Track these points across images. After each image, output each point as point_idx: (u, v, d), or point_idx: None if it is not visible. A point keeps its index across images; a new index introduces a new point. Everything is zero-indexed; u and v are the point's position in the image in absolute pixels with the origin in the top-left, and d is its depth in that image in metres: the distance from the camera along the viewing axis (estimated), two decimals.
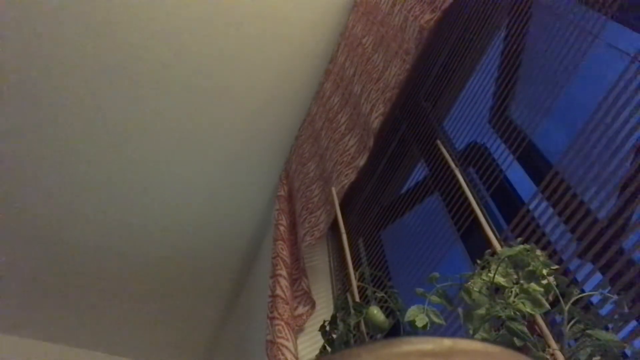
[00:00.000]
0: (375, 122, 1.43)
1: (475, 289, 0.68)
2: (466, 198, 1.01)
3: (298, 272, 1.64)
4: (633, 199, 0.71)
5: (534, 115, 1.02)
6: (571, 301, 0.63)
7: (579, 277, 0.74)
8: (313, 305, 1.51)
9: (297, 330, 1.46)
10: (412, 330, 0.73)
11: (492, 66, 1.22)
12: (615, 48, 0.86)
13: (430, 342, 0.24)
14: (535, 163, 1.02)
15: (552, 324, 0.69)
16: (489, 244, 0.83)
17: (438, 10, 1.25)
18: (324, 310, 1.52)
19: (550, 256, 0.76)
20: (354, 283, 1.14)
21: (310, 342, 1.44)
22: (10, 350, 2.79)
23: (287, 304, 1.46)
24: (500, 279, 0.67)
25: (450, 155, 1.15)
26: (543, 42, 1.07)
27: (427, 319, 0.72)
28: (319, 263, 1.72)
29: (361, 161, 1.49)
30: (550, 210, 0.85)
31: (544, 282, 0.65)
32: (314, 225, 1.62)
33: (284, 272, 1.58)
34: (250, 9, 1.92)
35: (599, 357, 0.58)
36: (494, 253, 0.75)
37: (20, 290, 2.67)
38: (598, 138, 0.80)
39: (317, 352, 1.23)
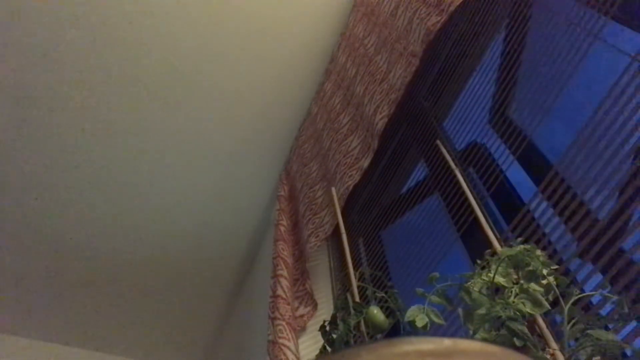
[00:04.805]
0: (380, 123, 1.42)
1: (475, 289, 0.68)
2: (466, 198, 1.01)
3: (299, 273, 1.64)
4: (633, 199, 0.71)
5: (534, 115, 1.02)
6: (571, 301, 0.63)
7: (579, 277, 0.74)
8: (315, 306, 1.51)
9: (299, 330, 1.46)
10: (412, 330, 0.73)
11: (492, 66, 1.22)
12: (615, 48, 0.86)
13: (430, 342, 0.24)
14: (535, 163, 1.02)
15: (552, 324, 0.69)
16: (489, 244, 0.83)
17: (445, 13, 1.23)
18: (324, 310, 1.52)
19: (550, 256, 0.76)
20: (354, 283, 1.14)
21: (311, 342, 1.44)
22: (10, 350, 2.79)
23: (289, 304, 1.46)
24: (500, 279, 0.67)
25: (450, 155, 1.15)
26: (543, 42, 1.07)
27: (427, 319, 0.73)
28: (319, 263, 1.71)
29: (365, 162, 1.48)
30: (551, 210, 0.85)
31: (544, 282, 0.65)
32: (319, 227, 1.61)
33: (284, 273, 1.58)
34: (250, 9, 1.93)
35: (599, 357, 0.58)
36: (494, 253, 0.75)
37: (20, 291, 2.67)
38: (598, 138, 0.81)
39: (317, 352, 1.23)
